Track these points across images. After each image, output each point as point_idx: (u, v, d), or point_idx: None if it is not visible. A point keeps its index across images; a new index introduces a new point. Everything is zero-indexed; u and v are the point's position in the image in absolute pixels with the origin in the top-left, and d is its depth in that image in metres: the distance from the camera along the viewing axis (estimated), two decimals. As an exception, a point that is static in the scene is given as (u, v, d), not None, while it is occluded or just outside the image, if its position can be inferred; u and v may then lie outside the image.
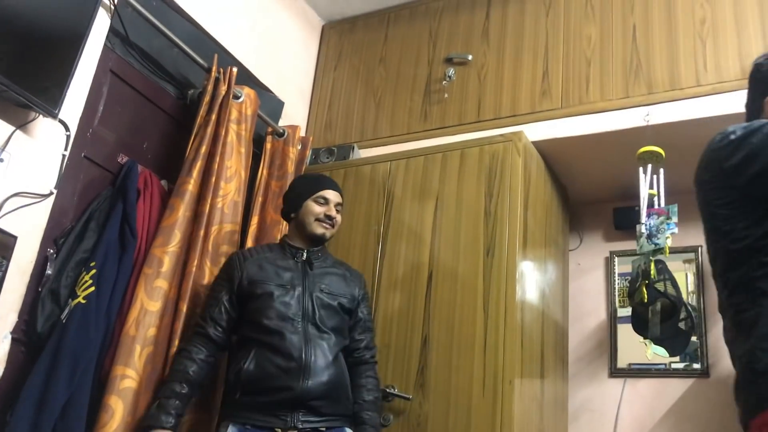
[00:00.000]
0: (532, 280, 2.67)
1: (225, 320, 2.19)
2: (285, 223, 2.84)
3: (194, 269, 2.37)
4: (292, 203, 2.38)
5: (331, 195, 2.36)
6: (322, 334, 2.16)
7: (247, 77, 3.04)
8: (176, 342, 2.27)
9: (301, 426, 2.03)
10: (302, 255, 2.30)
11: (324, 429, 2.08)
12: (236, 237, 2.60)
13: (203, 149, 2.52)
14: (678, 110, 2.69)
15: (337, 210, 2.36)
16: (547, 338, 2.75)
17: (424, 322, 2.55)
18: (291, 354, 2.07)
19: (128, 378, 2.12)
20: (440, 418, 2.38)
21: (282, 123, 3.20)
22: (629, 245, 3.14)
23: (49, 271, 2.14)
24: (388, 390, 2.47)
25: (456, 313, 2.51)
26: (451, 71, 3.20)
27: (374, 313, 2.66)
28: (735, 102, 2.57)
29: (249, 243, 2.78)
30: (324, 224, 2.32)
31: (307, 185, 2.41)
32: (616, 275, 3.22)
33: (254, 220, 2.85)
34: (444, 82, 3.21)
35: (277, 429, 2.02)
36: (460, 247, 2.61)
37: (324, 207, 2.33)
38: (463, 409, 2.34)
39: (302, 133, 3.25)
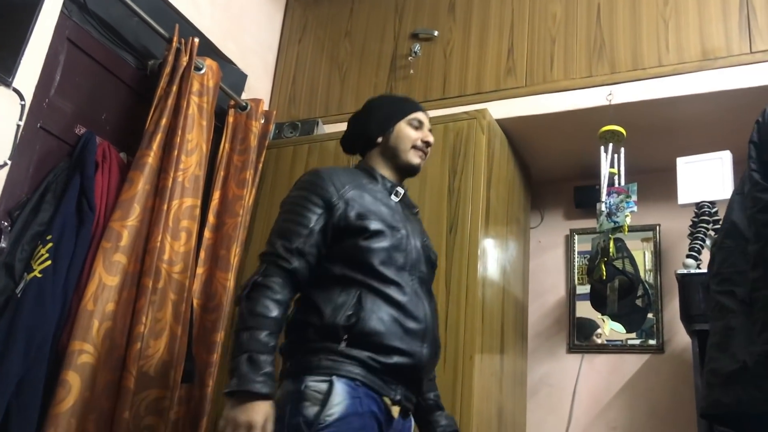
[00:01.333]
0: (493, 257, 2.69)
1: (315, 255, 1.70)
2: (250, 197, 2.81)
3: (157, 244, 2.34)
4: (380, 125, 1.90)
5: (424, 118, 1.94)
6: (428, 295, 1.81)
7: (209, 49, 2.98)
8: (143, 319, 2.24)
9: (403, 403, 1.67)
10: (399, 192, 1.87)
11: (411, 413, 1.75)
12: (197, 212, 2.57)
13: (164, 121, 2.47)
14: (640, 90, 2.72)
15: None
16: (508, 314, 2.78)
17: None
18: (414, 313, 1.68)
19: (86, 353, 2.09)
20: (402, 393, 2.39)
21: (245, 96, 3.16)
22: (589, 223, 3.20)
23: (3, 244, 2.09)
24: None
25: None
26: (417, 47, 3.18)
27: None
28: (695, 82, 2.62)
29: (210, 219, 2.75)
30: (420, 153, 1.90)
31: (396, 104, 1.97)
32: (576, 253, 3.27)
33: (216, 195, 2.82)
34: (410, 57, 3.19)
35: (385, 398, 1.62)
36: (423, 224, 2.61)
37: (420, 132, 1.91)
38: (424, 384, 2.36)
39: (265, 106, 3.21)
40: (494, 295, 2.64)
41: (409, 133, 1.88)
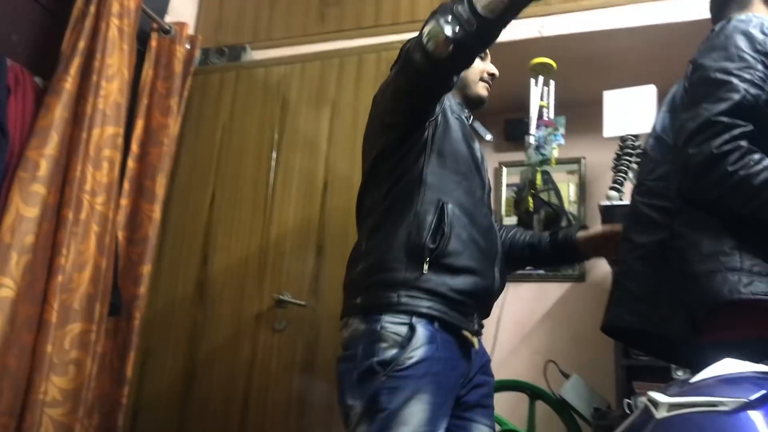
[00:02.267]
0: (425, 188, 2.70)
1: None
2: (175, 126, 2.72)
3: (77, 174, 2.24)
4: None
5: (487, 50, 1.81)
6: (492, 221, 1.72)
7: (128, -33, 2.79)
8: (63, 251, 2.16)
9: (480, 332, 1.63)
10: (469, 120, 1.80)
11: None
12: (119, 141, 2.46)
13: (81, 44, 2.33)
14: (571, 23, 2.73)
15: None
16: (438, 245, 2.82)
17: (319, 230, 2.55)
18: (488, 232, 1.62)
19: (5, 287, 2.01)
20: (333, 321, 2.40)
21: (168, 20, 3.00)
22: (518, 156, 3.25)
23: None
24: (282, 297, 2.48)
25: (351, 222, 2.49)
26: (349, -27, 3.08)
27: (269, 221, 2.63)
28: (626, 16, 2.65)
29: (134, 148, 2.65)
30: (486, 85, 1.83)
31: None
32: (504, 186, 3.33)
33: (139, 123, 2.71)
34: (341, -17, 3.09)
35: (465, 332, 1.54)
36: (356, 157, 2.58)
37: (485, 63, 1.83)
38: (355, 314, 2.40)
39: (190, 31, 3.07)
40: (425, 226, 2.67)
41: (477, 65, 1.78)
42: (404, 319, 1.45)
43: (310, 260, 2.53)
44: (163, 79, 2.80)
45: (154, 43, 2.84)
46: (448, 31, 1.32)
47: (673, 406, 0.86)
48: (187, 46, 2.92)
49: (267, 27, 3.21)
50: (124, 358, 2.49)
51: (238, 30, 3.26)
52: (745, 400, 0.82)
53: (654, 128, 1.61)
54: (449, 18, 1.32)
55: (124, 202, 2.61)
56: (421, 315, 1.45)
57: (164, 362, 2.61)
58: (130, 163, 2.66)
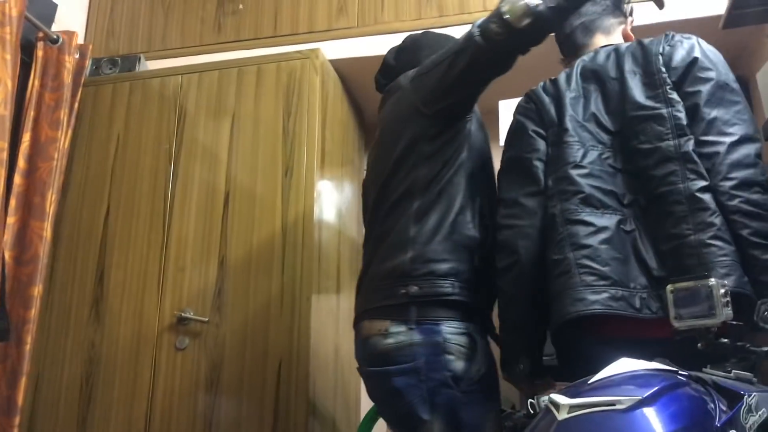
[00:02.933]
0: (329, 199, 2.71)
1: None
2: (66, 139, 2.62)
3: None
4: None
5: None
6: None
7: (9, -28, 2.65)
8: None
9: None
10: None
11: None
12: (4, 156, 2.33)
13: (-42, 54, 2.19)
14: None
15: None
16: (343, 255, 2.83)
17: (221, 243, 2.50)
18: None
19: None
20: (238, 338, 2.38)
21: (56, 28, 2.87)
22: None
23: None
24: (183, 314, 2.42)
25: (254, 234, 2.49)
26: (246, -19, 3.05)
27: (168, 235, 2.56)
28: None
29: (21, 163, 2.52)
30: None
31: None
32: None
33: (26, 137, 2.58)
34: (238, -8, 3.06)
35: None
36: (258, 167, 2.56)
37: None
38: (260, 328, 2.37)
39: (80, 40, 2.95)
40: (330, 236, 2.67)
41: None
42: (461, 327, 1.46)
43: (212, 274, 2.47)
44: (51, 90, 2.67)
45: (40, 52, 2.71)
46: (531, 1, 1.39)
47: (573, 407, 0.89)
48: (77, 56, 2.80)
49: (162, 36, 3.12)
50: (14, 386, 2.35)
51: (131, 40, 3.16)
52: (639, 397, 0.86)
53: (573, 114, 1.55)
54: None
55: (11, 220, 2.47)
56: (474, 323, 1.48)
57: (59, 388, 2.49)
58: (17, 179, 2.52)
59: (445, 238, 1.51)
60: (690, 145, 1.37)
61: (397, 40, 2.81)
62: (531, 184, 1.52)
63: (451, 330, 1.45)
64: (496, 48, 1.47)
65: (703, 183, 1.34)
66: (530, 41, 1.50)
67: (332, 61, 2.85)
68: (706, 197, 1.33)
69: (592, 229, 1.37)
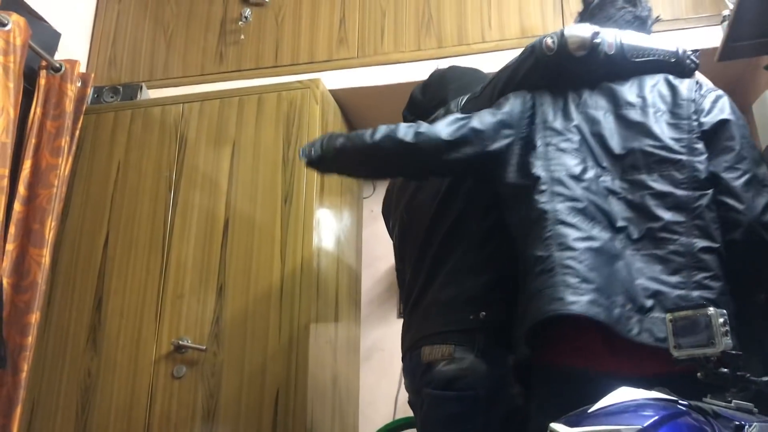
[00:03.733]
0: (328, 227, 2.71)
1: None
2: (66, 167, 2.64)
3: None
4: None
5: None
6: None
7: (14, 2, 2.69)
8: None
9: None
10: None
11: None
12: (4, 182, 2.34)
13: (-38, 82, 2.21)
14: (465, 65, 2.83)
15: None
16: (342, 283, 2.83)
17: (219, 271, 2.50)
18: None
19: None
20: (235, 366, 2.37)
21: (59, 57, 2.90)
22: (418, 193, 3.31)
23: None
24: (181, 342, 2.41)
25: (253, 262, 2.49)
26: (248, 12, 3.09)
27: (166, 263, 2.56)
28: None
29: (21, 190, 2.53)
30: None
31: None
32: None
33: (27, 164, 2.59)
34: (240, 22, 3.10)
35: None
36: (257, 195, 2.58)
37: None
38: (258, 357, 2.35)
39: (82, 68, 2.98)
40: (329, 264, 2.67)
41: None
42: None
43: (210, 302, 2.47)
44: (53, 118, 2.69)
45: (43, 81, 2.73)
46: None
47: (575, 438, 0.89)
48: (79, 84, 2.82)
49: (163, 66, 3.16)
50: (9, 415, 2.33)
51: (133, 68, 3.19)
52: (640, 426, 0.86)
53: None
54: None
55: (10, 247, 2.47)
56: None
57: (54, 416, 2.46)
58: (17, 206, 2.53)
59: (520, 261, 1.46)
60: (705, 201, 1.37)
61: (396, 70, 2.89)
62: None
63: (512, 358, 1.42)
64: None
65: (706, 243, 1.33)
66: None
67: (332, 91, 2.88)
68: (708, 257, 1.32)
69: (582, 234, 1.34)
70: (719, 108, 1.47)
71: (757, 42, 2.03)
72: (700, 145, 1.42)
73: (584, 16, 1.73)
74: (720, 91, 1.52)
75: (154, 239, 2.61)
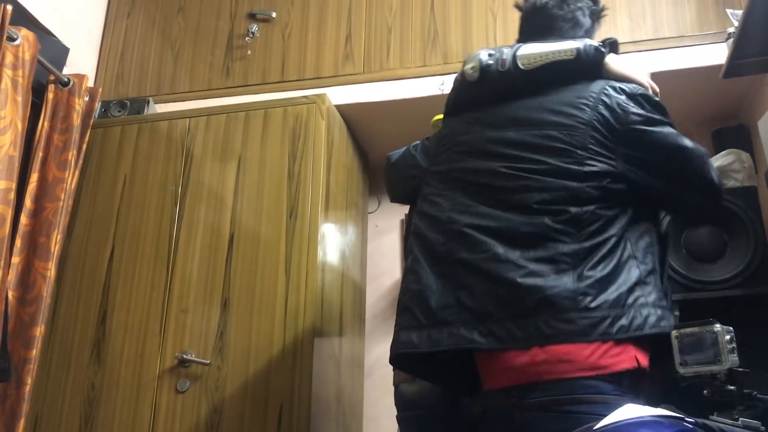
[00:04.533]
0: (333, 242, 2.71)
1: None
2: (73, 180, 2.66)
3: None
4: None
5: None
6: None
7: (24, 18, 2.72)
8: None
9: None
10: None
11: None
12: (12, 195, 2.35)
13: (-29, 96, 2.23)
14: (470, 82, 2.85)
15: None
16: (346, 298, 2.82)
17: (224, 285, 2.50)
18: None
19: None
20: (239, 380, 2.36)
21: (67, 71, 2.92)
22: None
23: None
24: (185, 356, 2.40)
25: (257, 276, 2.49)
26: (255, 27, 3.11)
27: (171, 277, 2.56)
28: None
29: (28, 203, 2.54)
30: None
31: None
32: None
33: (34, 177, 2.60)
34: (247, 38, 3.12)
35: None
36: (263, 210, 2.58)
37: None
38: (262, 371, 2.35)
39: (90, 83, 3.00)
40: (333, 279, 2.67)
41: None
42: None
43: (214, 316, 2.47)
44: (61, 132, 2.71)
45: (51, 95, 2.76)
46: None
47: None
48: (86, 99, 2.84)
49: (171, 81, 3.18)
50: (12, 428, 2.33)
51: (140, 83, 3.21)
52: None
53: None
54: None
55: (15, 260, 2.48)
56: None
57: (57, 430, 2.46)
58: (24, 219, 2.54)
59: None
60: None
61: (402, 86, 2.90)
62: None
63: None
64: None
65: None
66: None
67: (338, 106, 2.89)
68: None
69: None
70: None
71: (762, 59, 2.04)
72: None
73: (521, 36, 1.71)
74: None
75: (159, 253, 2.62)
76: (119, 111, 3.02)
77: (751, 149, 2.64)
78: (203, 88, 3.11)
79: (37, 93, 2.66)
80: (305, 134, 2.66)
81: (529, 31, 1.66)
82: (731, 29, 2.34)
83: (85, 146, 2.79)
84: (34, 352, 2.42)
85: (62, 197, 2.61)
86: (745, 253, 2.32)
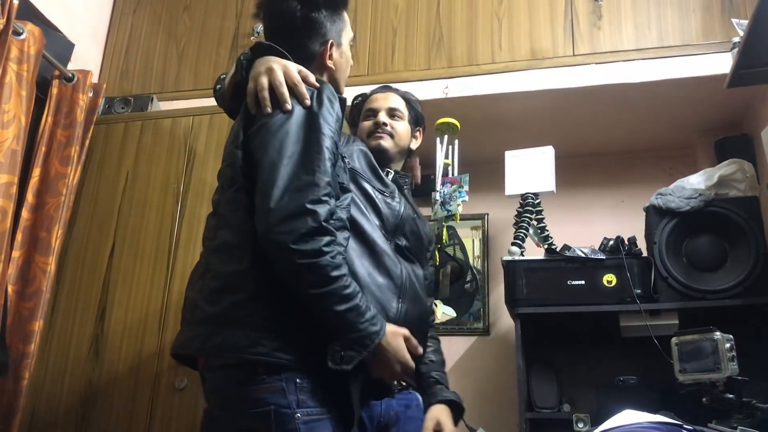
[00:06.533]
0: (333, 242, 2.71)
1: None
2: (75, 176, 2.65)
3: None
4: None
5: (379, 102, 2.05)
6: None
7: (30, 12, 2.72)
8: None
9: None
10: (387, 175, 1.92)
11: None
12: (14, 190, 2.35)
13: (-25, 89, 2.23)
14: (474, 85, 2.85)
15: (392, 115, 2.00)
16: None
17: (224, 283, 2.50)
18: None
19: None
20: (237, 379, 2.35)
21: (71, 67, 2.93)
22: (424, 212, 3.30)
23: None
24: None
25: (257, 275, 2.48)
26: (260, 27, 3.11)
27: (171, 274, 2.56)
28: (524, 80, 2.80)
29: (29, 197, 2.54)
30: (378, 135, 1.96)
31: (356, 108, 2.10)
32: (412, 239, 3.37)
33: (36, 172, 2.60)
34: (252, 37, 3.12)
35: None
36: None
37: (372, 119, 2.01)
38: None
39: (95, 79, 3.00)
40: (333, 280, 2.66)
41: (362, 127, 2.02)
42: None
43: (214, 315, 2.46)
44: (64, 127, 2.71)
45: (55, 90, 2.76)
46: None
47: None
48: (90, 95, 2.84)
49: (175, 78, 3.19)
50: (8, 422, 2.32)
51: (144, 80, 3.22)
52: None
53: None
54: None
55: (16, 254, 2.47)
56: None
57: (54, 426, 2.45)
58: (25, 214, 2.53)
59: None
60: None
61: (406, 89, 2.87)
62: None
63: None
64: None
65: None
66: None
67: (342, 108, 2.89)
68: None
69: None
70: None
71: (767, 69, 2.04)
72: None
73: None
74: None
75: (159, 251, 2.61)
76: (123, 108, 3.02)
77: (754, 159, 2.65)
78: (207, 87, 3.10)
79: (42, 88, 2.66)
80: (308, 135, 2.65)
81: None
82: (736, 39, 2.34)
83: (87, 142, 2.79)
84: (33, 347, 2.42)
85: (64, 192, 2.61)
86: (746, 263, 2.33)
